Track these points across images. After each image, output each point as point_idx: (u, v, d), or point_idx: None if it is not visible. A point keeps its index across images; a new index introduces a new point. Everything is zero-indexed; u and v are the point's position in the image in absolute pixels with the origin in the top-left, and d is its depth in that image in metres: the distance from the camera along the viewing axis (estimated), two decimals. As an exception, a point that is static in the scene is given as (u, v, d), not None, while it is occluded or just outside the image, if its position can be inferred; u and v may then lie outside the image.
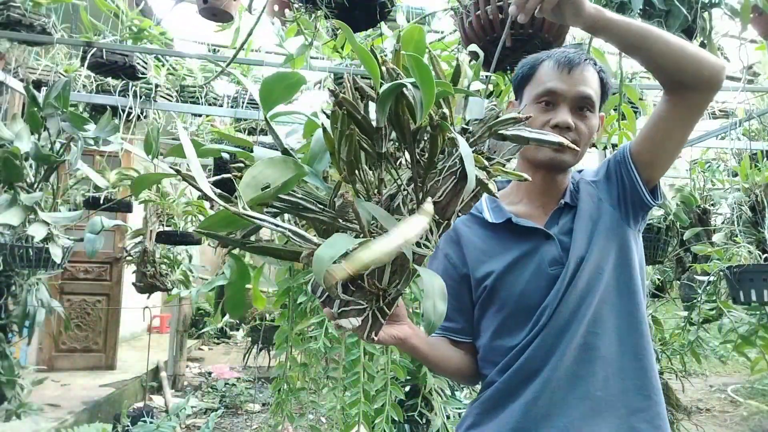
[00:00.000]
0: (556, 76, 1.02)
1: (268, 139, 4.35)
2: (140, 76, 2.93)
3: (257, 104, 4.06)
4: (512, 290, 1.03)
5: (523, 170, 1.04)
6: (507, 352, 1.02)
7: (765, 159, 2.72)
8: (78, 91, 3.28)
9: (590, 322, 0.99)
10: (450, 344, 1.11)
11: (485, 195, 1.05)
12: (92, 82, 3.45)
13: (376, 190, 0.68)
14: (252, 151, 0.70)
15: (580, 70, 1.03)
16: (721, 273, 2.29)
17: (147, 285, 3.52)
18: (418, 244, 0.63)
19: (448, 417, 1.87)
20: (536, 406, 0.97)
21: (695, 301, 2.77)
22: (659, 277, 3.55)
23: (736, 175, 2.75)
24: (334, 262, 0.49)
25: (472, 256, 1.08)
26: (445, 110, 0.61)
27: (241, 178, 0.58)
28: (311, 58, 2.39)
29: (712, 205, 3.02)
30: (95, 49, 2.69)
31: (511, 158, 0.76)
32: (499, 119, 0.69)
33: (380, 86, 0.61)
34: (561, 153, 1.02)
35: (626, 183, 1.05)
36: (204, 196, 0.55)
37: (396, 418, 1.57)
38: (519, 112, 0.80)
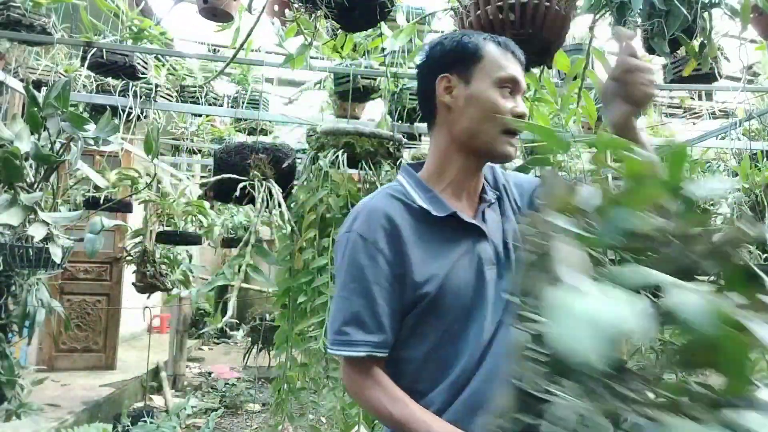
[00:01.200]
0: (512, 63, 0.99)
1: (268, 139, 4.36)
2: (140, 76, 2.94)
3: (257, 104, 4.06)
4: (456, 294, 0.95)
5: (448, 152, 1.01)
6: (449, 366, 0.95)
7: (765, 159, 2.72)
8: (78, 91, 3.28)
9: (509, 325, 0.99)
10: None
11: (407, 176, 1.03)
12: (92, 82, 3.46)
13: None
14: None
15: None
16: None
17: (147, 285, 3.52)
18: None
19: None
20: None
21: (695, 301, 2.76)
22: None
23: (736, 175, 2.75)
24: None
25: (415, 256, 0.94)
26: None
27: None
28: (311, 58, 2.39)
29: (712, 205, 3.02)
30: (95, 49, 2.69)
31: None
32: (739, 237, 0.44)
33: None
34: (514, 148, 1.00)
35: None
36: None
37: (396, 418, 1.57)
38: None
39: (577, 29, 2.76)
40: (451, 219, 0.98)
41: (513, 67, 0.99)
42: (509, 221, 1.05)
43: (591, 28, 1.70)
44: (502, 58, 0.99)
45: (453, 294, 0.95)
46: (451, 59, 1.00)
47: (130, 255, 3.59)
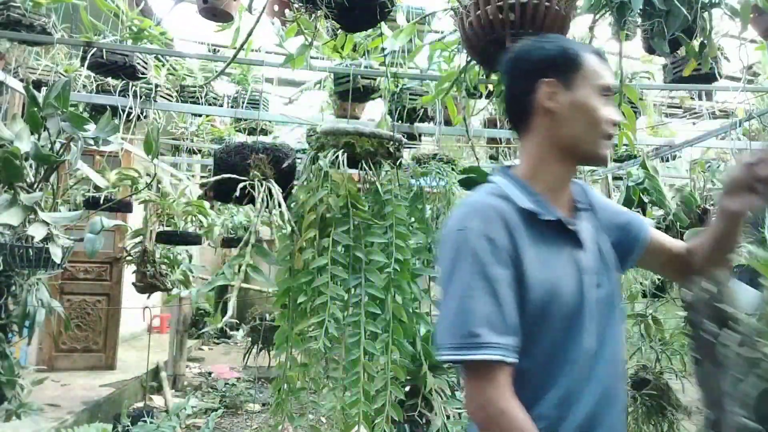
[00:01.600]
0: (607, 71, 1.02)
1: (268, 139, 4.36)
2: (140, 76, 2.93)
3: (257, 104, 4.06)
4: (563, 303, 0.93)
5: (546, 157, 1.01)
6: (556, 380, 0.92)
7: (765, 159, 2.71)
8: (78, 91, 3.28)
9: (616, 336, 1.00)
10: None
11: (507, 178, 1.02)
12: (92, 82, 3.45)
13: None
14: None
15: None
16: (721, 273, 2.29)
17: (147, 285, 3.52)
18: None
19: (448, 417, 1.87)
20: None
21: (695, 301, 2.76)
22: (659, 277, 3.55)
23: (736, 175, 2.74)
24: None
25: (528, 258, 0.92)
26: None
27: None
28: (311, 58, 2.39)
29: (712, 205, 3.02)
30: (95, 49, 2.69)
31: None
32: None
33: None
34: (610, 152, 1.03)
35: (620, 249, 1.11)
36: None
37: (396, 418, 1.57)
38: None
39: (577, 29, 2.76)
40: (555, 224, 0.97)
41: (609, 76, 1.01)
42: (602, 236, 1.06)
43: (591, 28, 1.70)
44: (600, 66, 1.01)
45: (560, 302, 0.93)
46: (553, 64, 1.00)
47: (130, 255, 3.59)
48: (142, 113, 3.48)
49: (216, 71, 3.81)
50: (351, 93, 3.07)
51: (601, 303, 0.98)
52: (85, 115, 3.08)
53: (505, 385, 0.86)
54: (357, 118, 3.62)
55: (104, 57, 2.75)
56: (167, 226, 3.70)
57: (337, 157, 1.66)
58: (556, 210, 0.99)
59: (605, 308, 0.98)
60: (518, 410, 0.85)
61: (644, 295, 3.33)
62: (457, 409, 1.99)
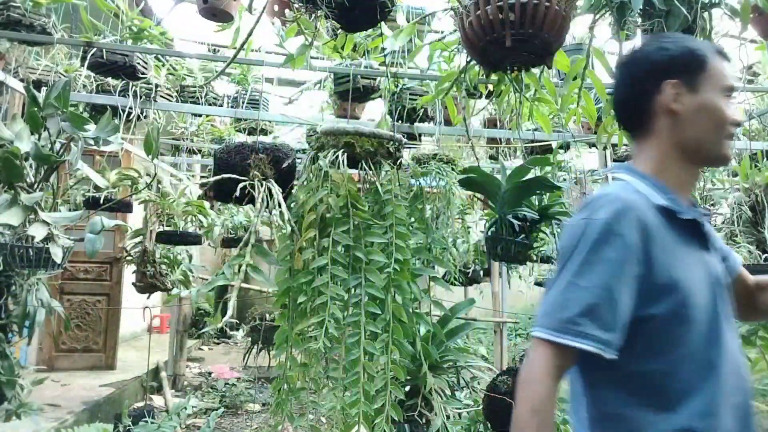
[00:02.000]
0: (731, 71, 1.01)
1: (268, 139, 4.36)
2: (140, 76, 2.93)
3: (257, 104, 4.07)
4: (699, 304, 0.90)
5: (668, 160, 0.99)
6: (694, 389, 0.89)
7: (765, 159, 2.72)
8: (78, 91, 3.28)
9: (740, 346, 0.98)
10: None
11: (636, 176, 0.99)
12: (92, 82, 3.45)
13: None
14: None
15: None
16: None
17: (147, 285, 3.52)
18: None
19: (448, 417, 1.87)
20: None
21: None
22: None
23: (736, 175, 2.75)
24: None
25: (658, 256, 0.89)
26: None
27: None
28: (311, 58, 2.38)
29: (712, 205, 3.02)
30: (95, 49, 2.69)
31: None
32: None
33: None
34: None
35: None
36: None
37: (396, 418, 1.57)
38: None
39: (577, 29, 2.76)
40: (690, 224, 0.95)
41: (732, 75, 1.00)
42: (717, 239, 1.05)
43: (591, 28, 1.70)
44: (723, 66, 1.00)
45: (695, 303, 0.90)
46: (677, 65, 0.99)
47: (130, 255, 3.59)
48: (142, 113, 3.48)
49: (216, 71, 3.81)
50: (351, 93, 3.07)
51: (730, 307, 0.96)
52: (85, 115, 3.08)
53: (556, 366, 0.87)
54: (357, 118, 3.62)
55: (104, 57, 2.75)
56: (167, 226, 3.70)
57: (337, 157, 1.66)
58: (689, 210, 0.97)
59: (731, 315, 0.97)
60: (544, 386, 0.85)
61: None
62: (456, 408, 1.99)
